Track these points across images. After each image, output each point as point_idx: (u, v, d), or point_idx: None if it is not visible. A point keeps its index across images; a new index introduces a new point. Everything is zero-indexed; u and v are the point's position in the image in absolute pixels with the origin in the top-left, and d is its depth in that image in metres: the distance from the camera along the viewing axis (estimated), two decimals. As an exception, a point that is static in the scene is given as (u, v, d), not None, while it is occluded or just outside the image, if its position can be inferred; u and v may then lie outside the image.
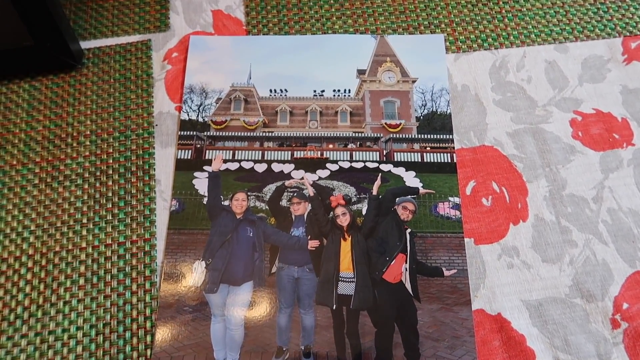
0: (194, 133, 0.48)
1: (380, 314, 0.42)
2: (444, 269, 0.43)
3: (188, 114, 0.49)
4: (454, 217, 0.45)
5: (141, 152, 0.47)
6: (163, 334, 0.41)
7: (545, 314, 0.42)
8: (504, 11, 0.54)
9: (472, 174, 0.47)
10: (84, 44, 0.52)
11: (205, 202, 0.46)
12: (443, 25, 0.50)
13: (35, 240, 0.45)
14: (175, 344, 0.41)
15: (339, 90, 0.49)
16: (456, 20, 0.50)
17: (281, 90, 0.49)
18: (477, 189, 0.46)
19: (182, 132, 0.48)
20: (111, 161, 0.47)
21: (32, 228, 0.46)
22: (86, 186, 0.47)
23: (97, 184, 0.47)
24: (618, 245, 0.45)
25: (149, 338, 0.41)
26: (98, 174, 0.47)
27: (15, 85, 0.51)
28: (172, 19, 0.53)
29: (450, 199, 0.45)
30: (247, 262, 0.44)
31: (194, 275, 0.43)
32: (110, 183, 0.46)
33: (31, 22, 0.45)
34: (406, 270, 0.43)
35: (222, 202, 0.46)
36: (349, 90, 0.49)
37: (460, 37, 0.50)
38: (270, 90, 0.49)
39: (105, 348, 0.41)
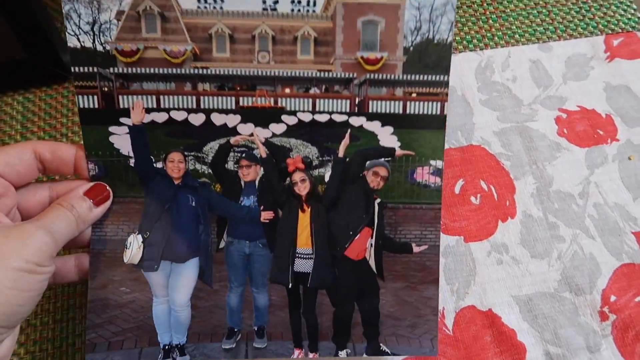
0: (95, 70, 0.34)
1: (340, 294, 0.39)
2: (413, 244, 0.38)
3: (78, 38, 0.34)
4: (433, 185, 0.38)
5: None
6: (96, 318, 0.36)
7: (535, 308, 0.43)
8: (488, 12, 0.56)
9: (460, 173, 0.48)
10: None
11: (132, 164, 0.36)
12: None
13: None
14: (113, 329, 0.37)
15: (299, 2, 0.34)
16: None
17: (214, 1, 0.34)
18: (466, 187, 0.48)
19: (77, 69, 0.34)
20: None
21: None
22: None
23: None
24: (605, 239, 0.46)
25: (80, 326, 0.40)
26: None
27: (9, 97, 0.52)
28: None
29: (432, 162, 0.37)
30: (190, 235, 0.38)
31: (129, 251, 0.37)
32: None
33: (24, 35, 0.46)
34: (371, 246, 0.39)
35: (155, 165, 0.36)
36: (313, 3, 0.34)
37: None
38: (198, 0, 0.34)
39: (36, 338, 0.40)
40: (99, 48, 0.34)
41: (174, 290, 0.38)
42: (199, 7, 0.34)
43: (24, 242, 0.29)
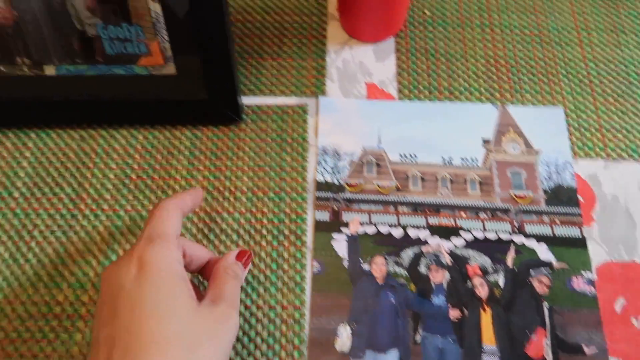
0: (331, 195, 0.48)
1: (527, 390, 0.41)
2: (583, 345, 0.43)
3: (323, 175, 0.49)
4: (589, 293, 0.45)
5: (294, 217, 0.48)
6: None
7: None
8: None
9: (621, 290, 0.47)
10: (244, 99, 0.56)
11: (345, 265, 0.45)
12: (592, 130, 0.55)
13: None
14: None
15: (466, 159, 0.50)
16: (606, 126, 0.55)
17: (411, 156, 0.50)
18: (627, 307, 0.46)
19: (318, 193, 0.48)
20: (265, 221, 0.48)
21: None
22: (241, 242, 0.48)
23: (252, 243, 0.48)
24: None
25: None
26: (252, 232, 0.48)
27: (179, 132, 0.54)
28: (328, 86, 0.56)
29: (583, 273, 0.45)
30: (390, 328, 0.44)
31: (340, 340, 0.43)
32: (264, 243, 0.47)
33: (212, 79, 0.50)
34: (547, 345, 0.43)
35: (362, 265, 0.45)
36: (476, 159, 0.50)
37: (610, 144, 0.54)
38: (400, 155, 0.50)
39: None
40: (335, 181, 0.50)
41: (376, 380, 0.42)
42: (401, 159, 0.51)
43: (228, 326, 0.32)
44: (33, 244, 0.48)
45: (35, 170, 0.52)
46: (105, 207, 0.50)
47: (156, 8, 0.47)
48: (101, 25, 0.48)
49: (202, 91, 0.51)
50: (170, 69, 0.50)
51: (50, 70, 0.51)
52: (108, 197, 0.51)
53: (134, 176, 0.52)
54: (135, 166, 0.52)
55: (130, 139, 0.54)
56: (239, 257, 0.39)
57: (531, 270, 0.47)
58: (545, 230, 0.49)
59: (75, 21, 0.48)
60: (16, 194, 0.51)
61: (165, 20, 0.47)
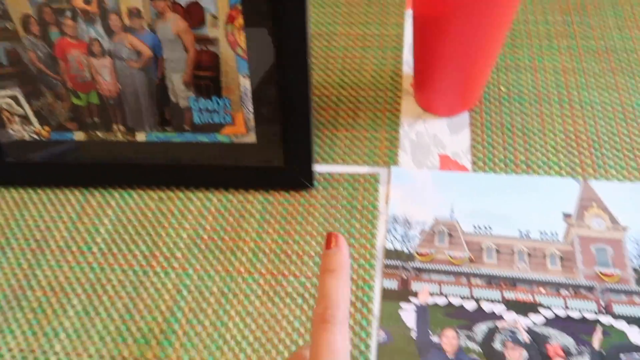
0: (400, 263, 0.53)
1: None
2: None
3: (392, 244, 0.54)
4: None
5: (361, 284, 0.53)
6: None
7: None
8: None
9: None
10: (317, 167, 0.65)
11: (413, 336, 0.49)
12: None
13: (252, 353, 0.51)
14: None
15: (545, 233, 0.54)
16: None
17: (485, 227, 0.54)
18: None
19: (387, 261, 0.53)
20: None
21: (251, 340, 0.51)
22: (305, 307, 0.52)
23: None
24: None
25: None
26: None
27: (251, 195, 0.63)
28: (401, 157, 0.64)
29: None
30: None
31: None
32: None
33: (291, 147, 0.60)
34: None
35: (431, 337, 0.49)
36: (556, 234, 0.54)
37: None
38: (474, 226, 0.55)
39: None
40: (405, 250, 0.55)
41: None
42: (474, 230, 0.56)
43: None
44: (105, 298, 0.57)
45: (115, 228, 0.62)
46: (176, 265, 0.59)
47: (245, 83, 0.58)
48: (193, 97, 0.60)
49: (279, 158, 0.60)
50: (252, 138, 0.61)
51: (141, 137, 0.63)
52: (179, 255, 0.59)
53: (205, 236, 0.60)
54: (208, 227, 0.61)
55: (205, 201, 0.63)
56: (327, 245, 0.36)
57: (622, 355, 0.49)
58: (637, 311, 0.51)
59: (170, 94, 0.60)
60: (95, 249, 0.61)
61: (253, 93, 0.59)
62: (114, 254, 0.60)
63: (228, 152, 0.62)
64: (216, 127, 0.60)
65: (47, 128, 0.63)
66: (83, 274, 0.58)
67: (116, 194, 0.65)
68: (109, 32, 0.57)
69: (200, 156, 0.62)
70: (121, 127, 0.62)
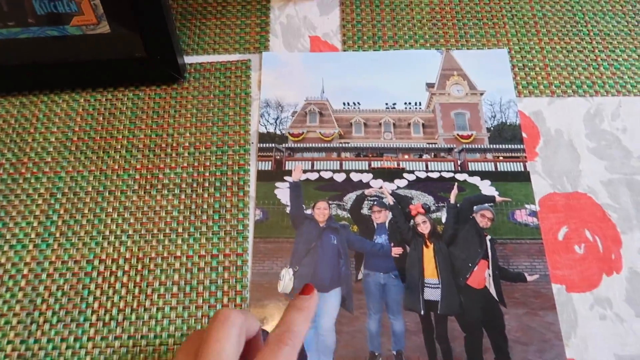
0: (273, 145, 0.54)
1: (468, 319, 0.48)
2: (526, 274, 0.49)
3: (266, 127, 0.56)
4: (531, 224, 0.52)
5: (237, 168, 0.55)
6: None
7: (638, 368, 0.48)
8: (599, 59, 0.63)
9: (564, 219, 0.54)
10: (187, 59, 0.64)
11: (288, 211, 0.52)
12: (537, 69, 0.62)
13: (132, 245, 0.52)
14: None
15: (410, 103, 0.56)
16: (551, 64, 0.62)
17: (354, 104, 0.56)
18: (570, 235, 0.54)
19: (261, 144, 0.54)
20: (207, 174, 0.55)
21: (130, 232, 0.53)
22: (183, 196, 0.54)
23: (194, 196, 0.55)
24: None
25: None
26: (195, 185, 0.55)
27: (120, 93, 0.62)
28: (272, 41, 0.64)
29: (527, 206, 0.52)
30: (333, 269, 0.50)
31: (282, 282, 0.49)
32: (206, 195, 0.54)
33: (148, 35, 0.57)
34: (489, 276, 0.50)
35: (305, 211, 0.52)
36: (420, 103, 0.57)
37: (555, 82, 0.62)
38: (344, 104, 0.57)
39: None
40: (278, 132, 0.56)
41: (320, 316, 0.49)
42: (344, 107, 0.58)
43: None
44: (-24, 211, 0.55)
45: (-24, 138, 0.59)
46: (47, 169, 0.57)
47: (84, -36, 0.53)
48: (29, -16, 0.54)
49: (139, 49, 0.58)
50: (104, 27, 0.57)
51: (-16, 36, 0.58)
52: (49, 160, 0.57)
53: (75, 138, 0.58)
54: (77, 128, 0.59)
55: (72, 103, 0.61)
56: (302, 292, 0.40)
57: (474, 206, 0.54)
58: (489, 167, 0.56)
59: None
60: (-43, 163, 0.58)
61: (95, -24, 0.54)
62: (-21, 165, 0.57)
63: (84, 46, 0.58)
64: (64, 19, 0.56)
65: None
66: (-52, 189, 0.56)
67: (-28, 103, 0.61)
68: None
69: (54, 53, 0.58)
70: (-39, 28, 0.57)
